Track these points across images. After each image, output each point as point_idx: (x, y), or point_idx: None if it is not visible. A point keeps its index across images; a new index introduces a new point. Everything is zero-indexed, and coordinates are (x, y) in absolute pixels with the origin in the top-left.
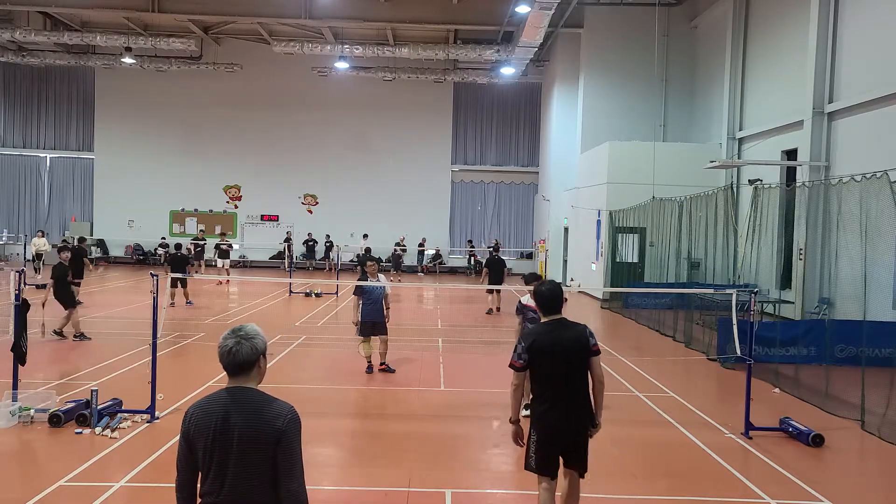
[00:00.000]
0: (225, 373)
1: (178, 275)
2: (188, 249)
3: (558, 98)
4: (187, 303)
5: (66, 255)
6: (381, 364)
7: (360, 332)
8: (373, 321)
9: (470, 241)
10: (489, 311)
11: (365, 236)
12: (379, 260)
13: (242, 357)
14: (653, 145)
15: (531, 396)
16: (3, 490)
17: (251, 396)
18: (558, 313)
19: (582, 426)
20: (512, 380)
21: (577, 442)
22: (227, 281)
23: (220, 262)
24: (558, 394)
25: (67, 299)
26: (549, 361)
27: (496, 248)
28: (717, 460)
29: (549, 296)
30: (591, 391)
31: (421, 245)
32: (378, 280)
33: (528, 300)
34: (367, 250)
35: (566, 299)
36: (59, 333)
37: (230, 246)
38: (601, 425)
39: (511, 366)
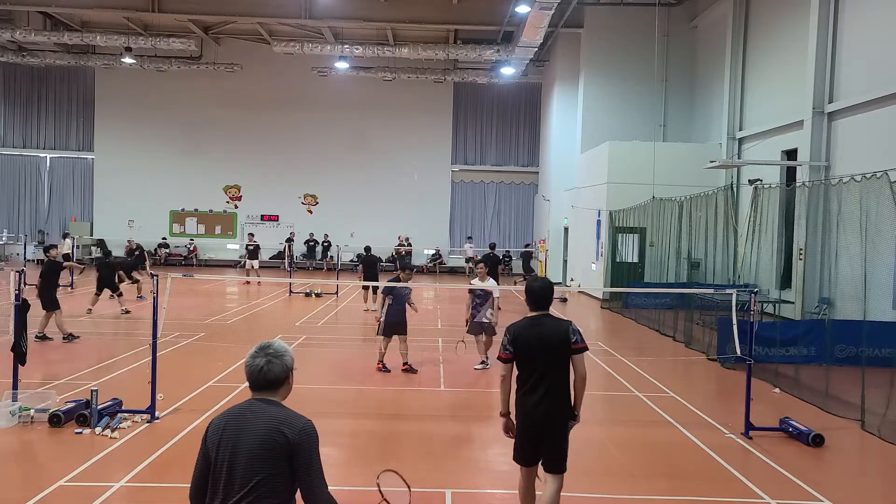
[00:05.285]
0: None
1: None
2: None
3: (558, 98)
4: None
5: (56, 251)
6: (404, 364)
7: (384, 331)
8: (396, 321)
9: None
10: None
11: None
12: (380, 259)
13: (273, 375)
14: (653, 145)
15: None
16: (3, 490)
17: (268, 411)
18: (545, 309)
19: (558, 418)
20: (500, 371)
21: (553, 433)
22: (258, 282)
23: (248, 263)
24: (536, 385)
25: (47, 301)
26: (527, 354)
27: (492, 247)
28: (717, 460)
29: (539, 293)
30: (572, 386)
31: (407, 244)
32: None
33: (476, 283)
34: (367, 249)
35: (566, 299)
36: (43, 337)
37: (257, 246)
38: (580, 419)
39: (499, 358)
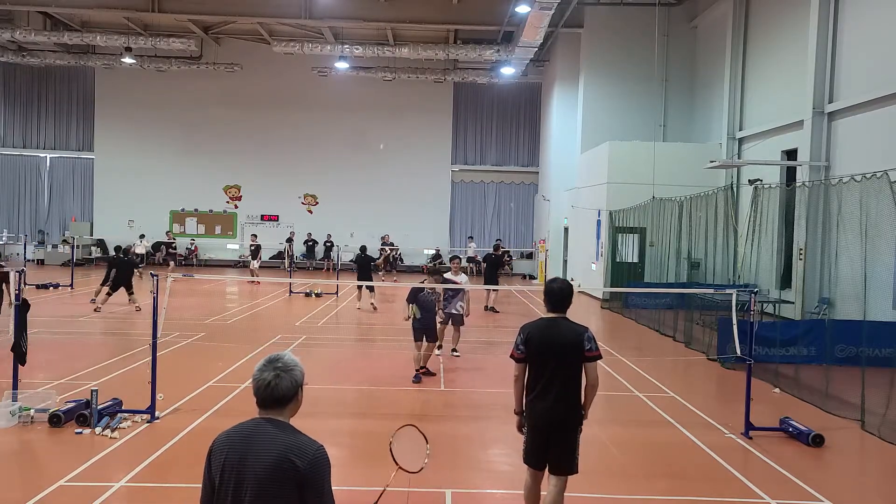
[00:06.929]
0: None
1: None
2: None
3: (558, 98)
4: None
5: None
6: (422, 367)
7: (414, 336)
8: (421, 327)
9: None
10: (486, 308)
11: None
12: (374, 259)
13: (281, 391)
14: (653, 145)
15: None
16: (3, 490)
17: (277, 436)
18: (562, 312)
19: (567, 420)
20: (513, 370)
21: (562, 436)
22: (258, 282)
23: (250, 263)
24: (547, 388)
25: None
26: (539, 355)
27: (496, 249)
28: (717, 460)
29: (558, 294)
30: (583, 390)
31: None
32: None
33: (449, 275)
34: (363, 249)
35: None
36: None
37: (258, 247)
38: (587, 416)
39: (511, 356)
